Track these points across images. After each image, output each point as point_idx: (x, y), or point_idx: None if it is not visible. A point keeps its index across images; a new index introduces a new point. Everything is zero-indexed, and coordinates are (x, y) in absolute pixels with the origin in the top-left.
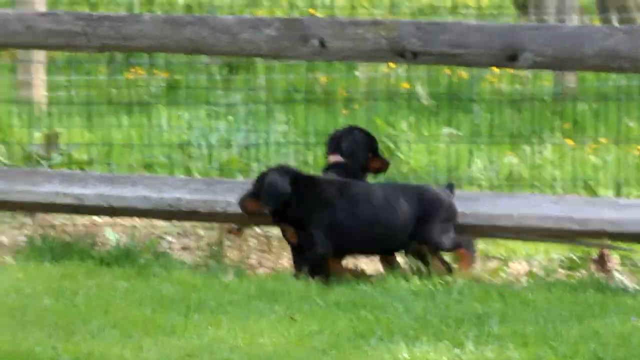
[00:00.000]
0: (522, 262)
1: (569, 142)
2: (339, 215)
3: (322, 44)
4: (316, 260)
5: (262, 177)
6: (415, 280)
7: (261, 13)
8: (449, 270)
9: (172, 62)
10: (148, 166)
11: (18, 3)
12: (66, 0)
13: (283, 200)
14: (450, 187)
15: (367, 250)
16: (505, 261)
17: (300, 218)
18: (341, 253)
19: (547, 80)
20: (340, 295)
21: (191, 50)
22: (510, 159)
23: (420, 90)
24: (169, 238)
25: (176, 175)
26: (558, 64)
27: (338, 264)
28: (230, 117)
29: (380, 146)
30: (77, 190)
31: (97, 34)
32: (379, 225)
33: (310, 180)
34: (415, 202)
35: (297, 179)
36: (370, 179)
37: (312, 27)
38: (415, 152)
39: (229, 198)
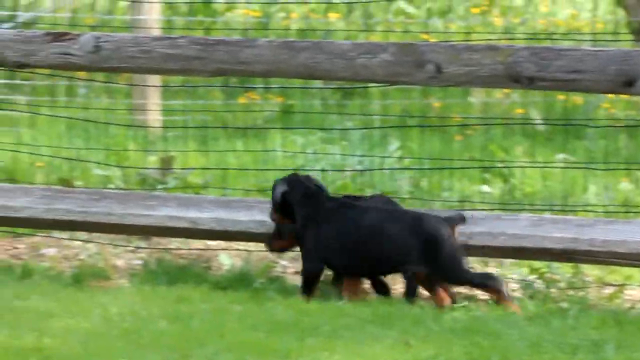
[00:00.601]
0: (637, 288)
1: None
2: (326, 233)
3: (438, 69)
4: (306, 277)
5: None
6: (529, 306)
7: (375, 38)
8: (453, 301)
9: (287, 87)
10: (262, 190)
11: (134, 28)
12: (181, 25)
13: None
14: (460, 217)
15: (355, 272)
16: (621, 287)
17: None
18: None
19: None
20: (454, 320)
21: (307, 75)
22: (625, 186)
23: (535, 115)
24: (283, 262)
25: None
26: None
27: (354, 284)
28: (344, 142)
29: (494, 172)
30: (192, 214)
31: (213, 59)
32: (366, 249)
33: (314, 195)
34: (409, 230)
35: (305, 192)
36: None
37: (427, 52)
38: (529, 178)
39: None
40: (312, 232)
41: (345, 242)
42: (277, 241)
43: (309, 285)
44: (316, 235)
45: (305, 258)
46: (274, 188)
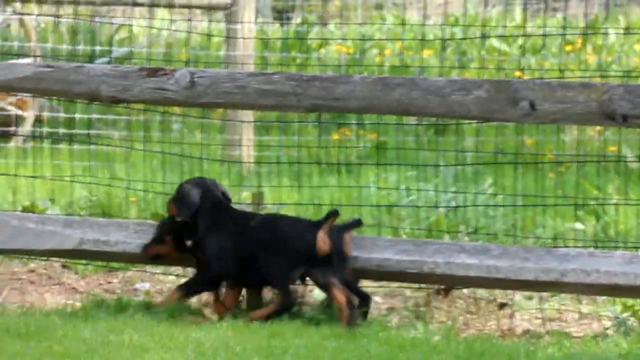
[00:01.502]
0: None
1: None
2: (222, 243)
3: (532, 106)
4: (201, 283)
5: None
6: (623, 343)
7: (468, 75)
8: (351, 307)
9: (378, 123)
10: None
11: (228, 63)
12: (274, 61)
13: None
14: (355, 222)
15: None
16: None
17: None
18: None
19: None
20: (547, 357)
21: (401, 112)
22: None
23: (628, 153)
24: (376, 298)
25: (384, 236)
26: None
27: (230, 298)
28: (437, 179)
29: (588, 209)
30: None
31: (307, 94)
32: (255, 258)
33: (221, 205)
34: (295, 238)
35: (215, 201)
36: None
37: (522, 90)
38: (622, 216)
39: (437, 259)
40: (214, 241)
41: (240, 253)
42: (156, 246)
43: (196, 289)
44: (218, 245)
45: (203, 267)
46: (187, 191)
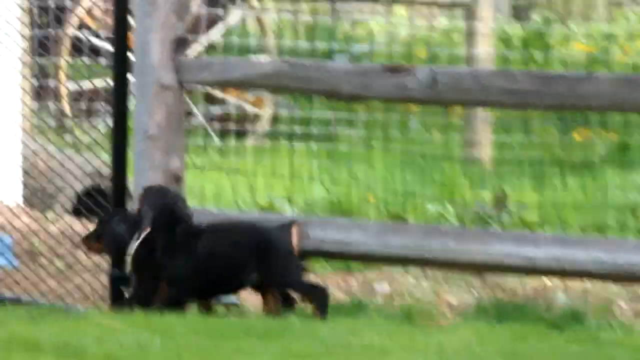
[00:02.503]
0: None
1: None
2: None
3: None
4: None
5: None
6: None
7: None
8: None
9: (620, 122)
10: (599, 228)
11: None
12: (513, 60)
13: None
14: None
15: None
16: None
17: None
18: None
19: None
20: None
21: None
22: None
23: None
24: (621, 303)
25: (629, 238)
26: None
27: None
28: None
29: None
30: (528, 251)
31: (550, 93)
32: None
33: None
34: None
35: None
36: None
37: None
38: None
39: None
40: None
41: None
42: (93, 244)
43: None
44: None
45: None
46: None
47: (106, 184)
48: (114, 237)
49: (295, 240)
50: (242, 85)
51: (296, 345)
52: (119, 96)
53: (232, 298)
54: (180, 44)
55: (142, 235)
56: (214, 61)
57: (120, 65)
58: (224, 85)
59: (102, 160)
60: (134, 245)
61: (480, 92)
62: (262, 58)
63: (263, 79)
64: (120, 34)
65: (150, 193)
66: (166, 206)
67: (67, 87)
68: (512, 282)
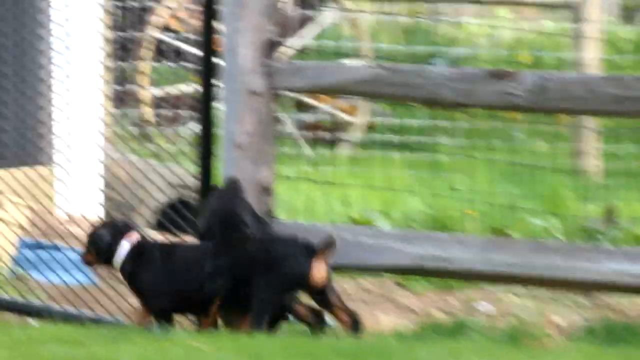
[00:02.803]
0: None
1: None
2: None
3: None
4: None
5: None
6: None
7: None
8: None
9: None
10: None
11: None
12: (622, 64)
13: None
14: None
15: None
16: None
17: None
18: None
19: None
20: None
21: None
22: None
23: None
24: None
25: None
26: None
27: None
28: None
29: None
30: None
31: None
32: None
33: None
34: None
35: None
36: None
37: None
38: None
39: None
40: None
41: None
42: (90, 257)
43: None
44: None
45: None
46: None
47: (192, 196)
48: (97, 247)
49: (318, 266)
50: (336, 91)
51: None
52: (206, 103)
53: (325, 319)
54: (271, 47)
55: (131, 243)
56: (307, 66)
57: (208, 70)
58: (317, 91)
59: (188, 171)
60: (121, 255)
61: (590, 99)
62: (357, 63)
63: (359, 85)
64: (208, 37)
65: (212, 196)
66: (221, 211)
67: (150, 92)
68: (623, 302)
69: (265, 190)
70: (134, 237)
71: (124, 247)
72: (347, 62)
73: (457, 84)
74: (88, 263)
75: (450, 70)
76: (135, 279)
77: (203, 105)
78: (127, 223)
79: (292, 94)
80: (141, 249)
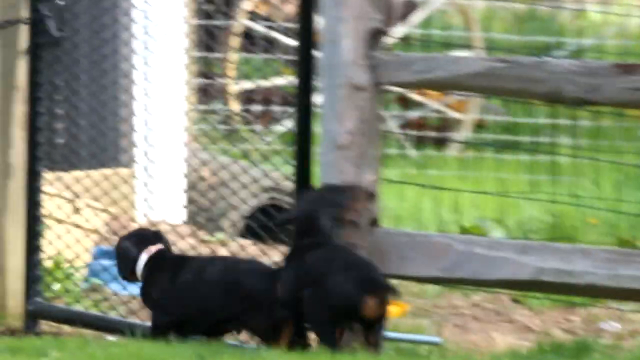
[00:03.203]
0: None
1: None
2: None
3: None
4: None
5: None
6: None
7: None
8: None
9: None
10: None
11: None
12: None
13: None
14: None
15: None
16: None
17: None
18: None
19: None
20: None
21: None
22: None
23: None
24: None
25: None
26: None
27: None
28: None
29: None
30: None
31: None
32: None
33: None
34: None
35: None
36: None
37: None
38: None
39: None
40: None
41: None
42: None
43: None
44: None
45: None
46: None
47: (286, 200)
48: (119, 256)
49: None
50: (448, 86)
51: None
52: (302, 98)
53: (433, 337)
54: (376, 37)
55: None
56: (416, 58)
57: (305, 63)
58: (426, 86)
59: (282, 173)
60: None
61: None
62: (468, 54)
63: (473, 79)
64: (306, 25)
65: (301, 197)
66: (305, 214)
67: (237, 85)
68: None
69: (369, 195)
70: (153, 249)
71: (142, 259)
72: (456, 53)
73: (581, 78)
74: (125, 279)
75: (574, 63)
76: (142, 292)
77: (299, 101)
78: (154, 233)
79: (397, 89)
80: (156, 262)
